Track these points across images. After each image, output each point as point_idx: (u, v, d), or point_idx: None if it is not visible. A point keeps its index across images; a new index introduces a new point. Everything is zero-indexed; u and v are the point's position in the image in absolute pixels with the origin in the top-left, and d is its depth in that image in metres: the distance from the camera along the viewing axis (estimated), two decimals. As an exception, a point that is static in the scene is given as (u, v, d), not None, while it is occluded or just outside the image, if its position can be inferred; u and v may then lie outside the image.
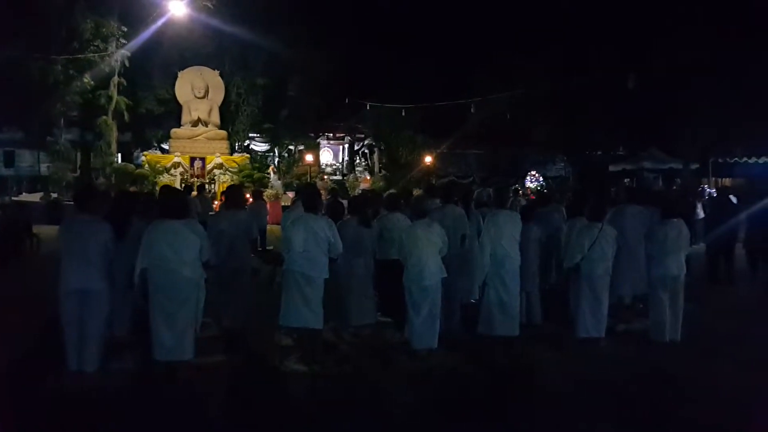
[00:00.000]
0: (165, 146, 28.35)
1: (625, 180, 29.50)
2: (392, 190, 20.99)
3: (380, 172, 34.52)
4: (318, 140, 35.42)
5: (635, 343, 6.88)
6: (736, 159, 25.32)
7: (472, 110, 25.91)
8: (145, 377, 5.58)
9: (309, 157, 30.88)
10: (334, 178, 33.12)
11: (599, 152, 32.40)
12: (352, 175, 34.29)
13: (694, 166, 27.20)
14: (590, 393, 5.52)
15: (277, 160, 32.81)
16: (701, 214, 12.74)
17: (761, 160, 22.80)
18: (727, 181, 29.84)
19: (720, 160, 26.73)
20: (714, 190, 20.60)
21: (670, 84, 23.18)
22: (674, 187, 24.26)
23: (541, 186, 31.65)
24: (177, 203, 5.78)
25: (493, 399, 5.42)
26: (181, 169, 25.02)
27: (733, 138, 24.11)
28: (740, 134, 23.68)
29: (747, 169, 25.65)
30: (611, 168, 29.59)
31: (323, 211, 6.70)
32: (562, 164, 36.47)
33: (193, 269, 5.47)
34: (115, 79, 24.92)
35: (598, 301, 6.69)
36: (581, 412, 5.06)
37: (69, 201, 20.34)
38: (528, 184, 32.41)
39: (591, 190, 13.41)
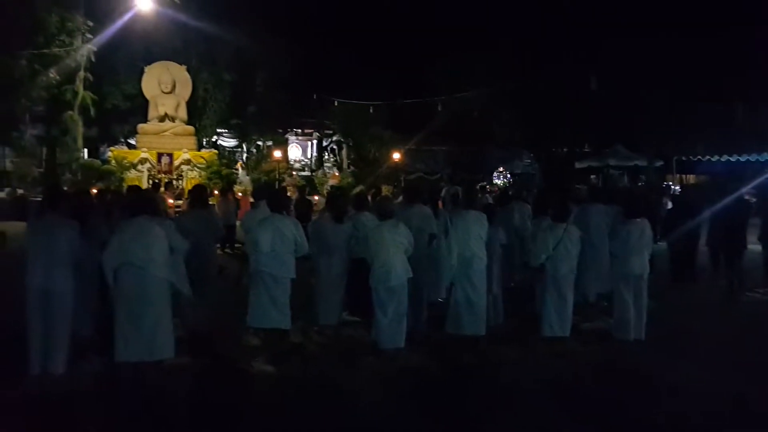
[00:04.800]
0: (132, 142, 27.97)
1: (592, 177, 29.94)
2: (361, 187, 21.01)
3: (348, 168, 34.44)
4: (286, 136, 35.17)
5: (600, 342, 6.96)
6: (699, 157, 25.90)
7: (439, 108, 26.01)
8: (111, 379, 5.48)
9: (277, 153, 30.61)
10: (303, 173, 32.94)
11: (565, 149, 32.75)
12: (320, 171, 34.14)
13: (659, 164, 27.79)
14: (555, 392, 5.58)
15: (245, 155, 32.51)
16: (668, 206, 12.71)
17: (723, 159, 23.34)
18: (691, 178, 30.58)
19: (683, 158, 27.31)
20: (678, 187, 21.00)
21: (633, 83, 23.64)
22: (639, 184, 24.70)
23: (508, 183, 31.92)
24: (146, 200, 5.74)
25: (459, 399, 5.45)
26: (148, 165, 24.69)
27: (696, 137, 24.70)
28: (702, 133, 24.27)
29: (710, 166, 26.25)
30: (577, 165, 30.00)
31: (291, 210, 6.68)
32: (529, 161, 36.80)
33: (162, 268, 5.41)
34: (81, 74, 24.45)
35: (563, 300, 6.74)
36: (546, 412, 5.12)
37: (35, 197, 19.92)
38: (495, 180, 32.69)
39: (554, 189, 13.50)
